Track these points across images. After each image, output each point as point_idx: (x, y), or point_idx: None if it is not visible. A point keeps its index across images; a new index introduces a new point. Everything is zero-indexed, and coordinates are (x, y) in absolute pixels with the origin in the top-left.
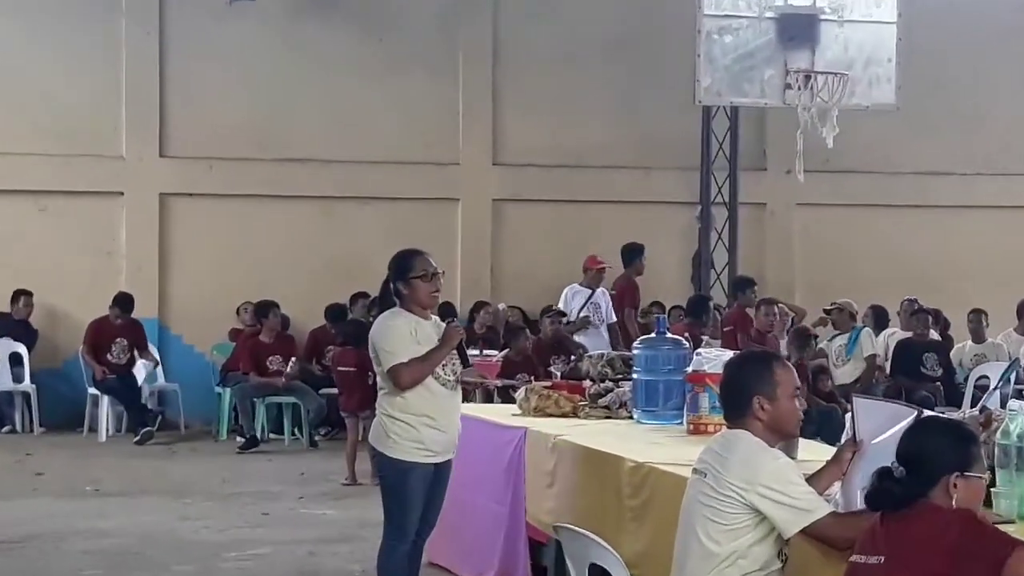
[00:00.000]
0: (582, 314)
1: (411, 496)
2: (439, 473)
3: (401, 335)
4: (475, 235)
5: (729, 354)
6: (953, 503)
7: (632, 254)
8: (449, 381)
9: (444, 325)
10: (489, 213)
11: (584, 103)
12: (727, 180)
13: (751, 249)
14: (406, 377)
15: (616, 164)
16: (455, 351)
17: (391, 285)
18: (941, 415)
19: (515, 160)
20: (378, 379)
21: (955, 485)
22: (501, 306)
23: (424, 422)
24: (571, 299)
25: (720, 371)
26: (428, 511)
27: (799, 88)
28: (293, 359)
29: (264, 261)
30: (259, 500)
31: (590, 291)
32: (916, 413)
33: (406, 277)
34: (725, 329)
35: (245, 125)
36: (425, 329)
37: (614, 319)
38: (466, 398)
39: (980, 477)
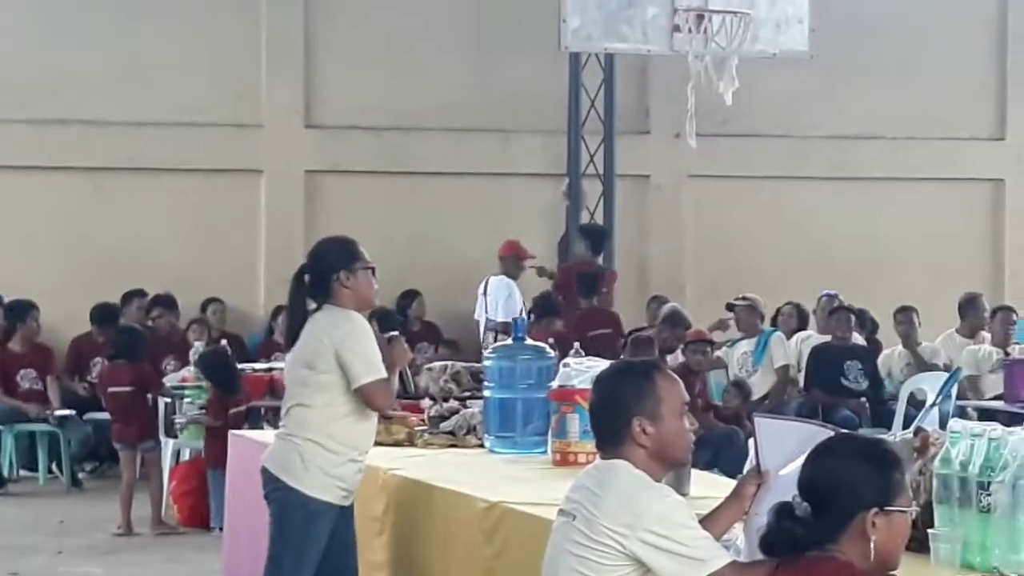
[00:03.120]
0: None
1: (314, 546)
2: (347, 511)
3: (372, 340)
4: (283, 216)
5: (602, 365)
6: (872, 547)
7: (601, 238)
8: None
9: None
10: (301, 188)
11: (423, 50)
12: (601, 146)
13: (631, 232)
14: (384, 398)
15: (464, 127)
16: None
17: (316, 278)
18: (858, 435)
19: (334, 122)
20: (297, 394)
21: (874, 524)
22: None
23: (353, 456)
24: (498, 293)
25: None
26: (348, 558)
27: (690, 31)
28: (51, 377)
29: (13, 248)
30: (6, 556)
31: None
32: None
33: (351, 267)
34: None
35: None
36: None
37: None
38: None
39: (904, 511)
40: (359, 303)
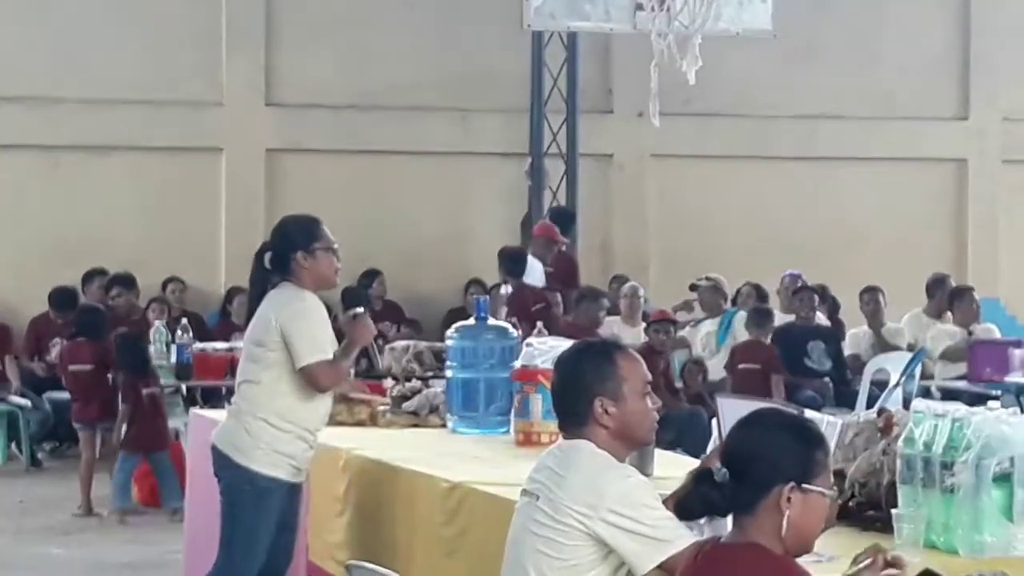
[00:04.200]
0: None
1: (266, 522)
2: (296, 494)
3: (323, 322)
4: (244, 195)
5: (567, 343)
6: (784, 522)
7: (567, 220)
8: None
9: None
10: (262, 167)
11: (383, 28)
12: (563, 125)
13: (594, 211)
14: (328, 379)
15: (425, 105)
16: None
17: (276, 256)
18: (783, 408)
19: (294, 100)
20: (248, 370)
21: (788, 499)
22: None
23: (301, 435)
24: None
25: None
26: (287, 538)
27: (653, 9)
28: (8, 356)
29: None
30: None
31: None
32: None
33: (310, 247)
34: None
35: None
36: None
37: None
38: None
39: (823, 493)
40: (318, 283)
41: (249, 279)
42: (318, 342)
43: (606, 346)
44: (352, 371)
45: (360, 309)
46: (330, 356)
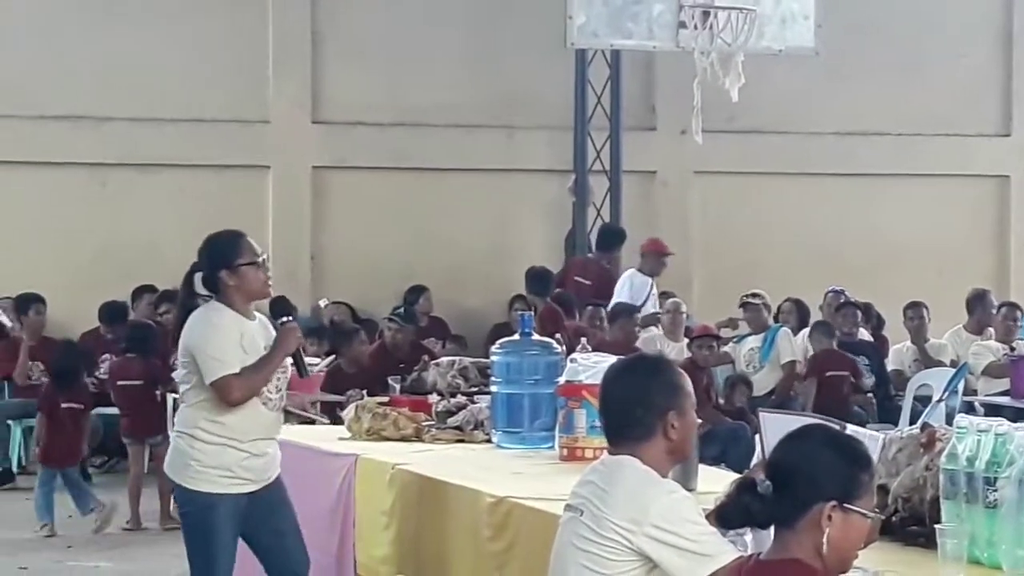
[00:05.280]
0: (649, 309)
1: (218, 538)
2: (261, 500)
3: (229, 338)
4: (290, 212)
5: (611, 360)
6: (824, 541)
7: (613, 239)
8: (272, 400)
9: (270, 327)
10: (308, 184)
11: (429, 46)
12: (607, 142)
13: (638, 228)
14: (237, 391)
15: (470, 123)
16: (289, 359)
17: (205, 275)
18: (832, 424)
19: (341, 117)
20: (181, 393)
21: (829, 517)
22: (322, 302)
23: (232, 444)
24: (631, 289)
25: (601, 381)
26: (288, 543)
27: (696, 27)
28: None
29: (19, 245)
30: (15, 550)
31: (651, 281)
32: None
33: (232, 264)
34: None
35: None
36: (251, 331)
37: None
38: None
39: (864, 514)
40: (248, 297)
41: (177, 299)
42: (221, 357)
43: (667, 361)
44: (397, 387)
45: (287, 318)
46: (236, 370)
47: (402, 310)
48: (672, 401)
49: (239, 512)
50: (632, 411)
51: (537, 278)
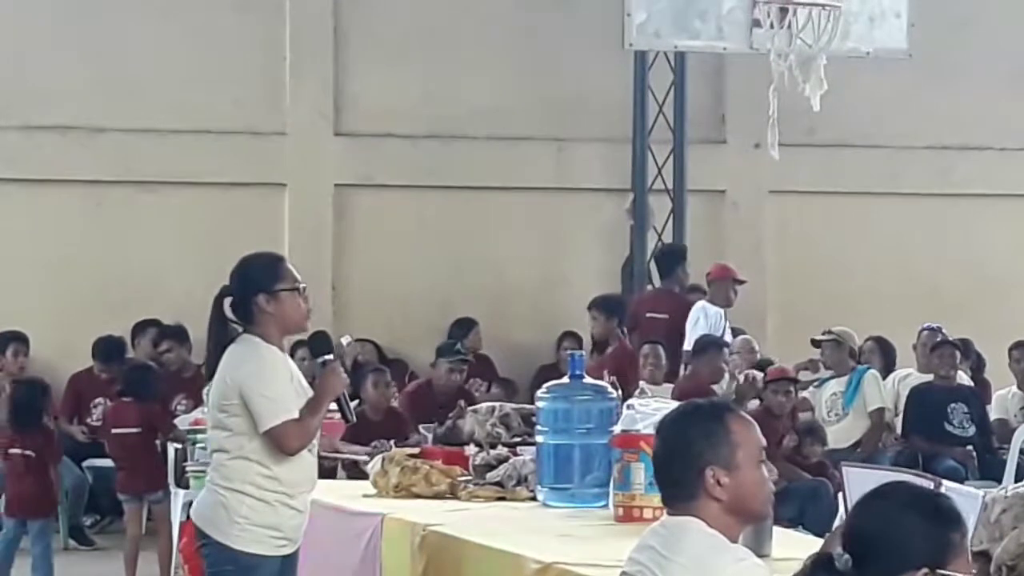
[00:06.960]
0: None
1: None
2: (289, 563)
3: (282, 376)
4: (309, 236)
5: (672, 405)
6: None
7: (673, 259)
8: (314, 446)
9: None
10: (329, 204)
11: (466, 47)
12: (670, 157)
13: (704, 253)
14: (296, 440)
15: (514, 135)
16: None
17: (235, 301)
18: (914, 480)
19: (366, 129)
20: (215, 441)
21: None
22: (345, 340)
23: (283, 500)
24: (706, 322)
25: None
26: None
27: (772, 26)
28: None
29: (1, 272)
30: None
31: (723, 312)
32: (934, 486)
33: (272, 289)
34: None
35: None
36: (295, 369)
37: None
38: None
39: None
40: (284, 328)
41: (207, 329)
42: (281, 401)
43: (716, 408)
44: (430, 436)
45: (330, 356)
46: (295, 415)
47: (459, 345)
48: (712, 454)
49: (276, 574)
50: (671, 466)
51: (607, 299)
